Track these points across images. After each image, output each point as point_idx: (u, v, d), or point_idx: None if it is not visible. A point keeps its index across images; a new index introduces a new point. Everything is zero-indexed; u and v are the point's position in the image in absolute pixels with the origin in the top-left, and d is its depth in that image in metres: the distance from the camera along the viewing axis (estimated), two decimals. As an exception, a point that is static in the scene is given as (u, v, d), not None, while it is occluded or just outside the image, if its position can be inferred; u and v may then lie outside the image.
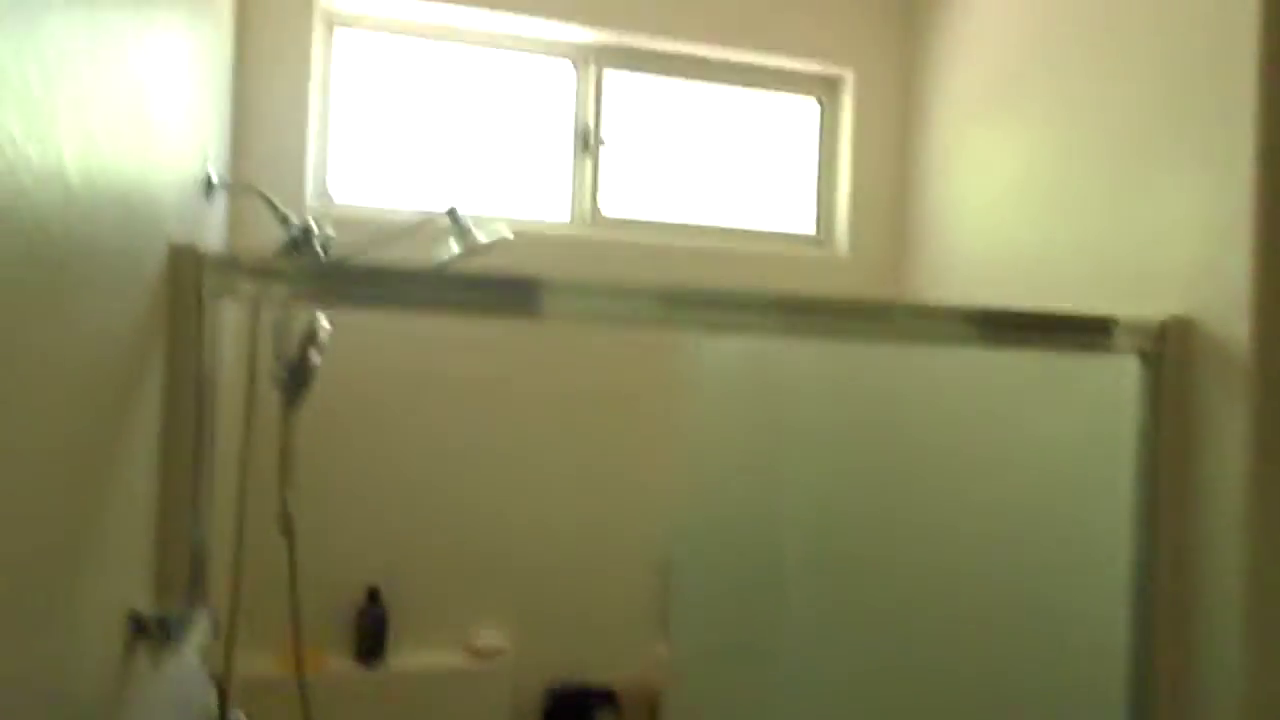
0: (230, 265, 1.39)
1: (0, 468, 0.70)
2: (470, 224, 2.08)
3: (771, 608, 1.98)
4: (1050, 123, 2.36)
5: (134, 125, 1.08)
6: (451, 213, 2.09)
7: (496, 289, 1.51)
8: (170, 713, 1.04)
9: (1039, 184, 2.40)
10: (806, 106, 3.12)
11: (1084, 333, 1.86)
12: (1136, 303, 2.01)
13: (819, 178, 3.12)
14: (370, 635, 2.45)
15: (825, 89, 3.11)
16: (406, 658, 2.52)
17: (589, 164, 2.87)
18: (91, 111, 0.87)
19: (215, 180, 1.88)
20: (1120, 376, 1.93)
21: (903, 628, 2.02)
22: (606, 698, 2.70)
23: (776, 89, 3.07)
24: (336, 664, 2.44)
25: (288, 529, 1.97)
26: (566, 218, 2.87)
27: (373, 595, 2.49)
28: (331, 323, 1.86)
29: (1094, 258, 2.17)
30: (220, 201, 2.09)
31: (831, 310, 1.70)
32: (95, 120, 0.88)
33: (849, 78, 3.04)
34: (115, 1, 0.95)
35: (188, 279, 1.37)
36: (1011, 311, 1.81)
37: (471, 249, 2.07)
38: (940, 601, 2.03)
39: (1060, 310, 1.97)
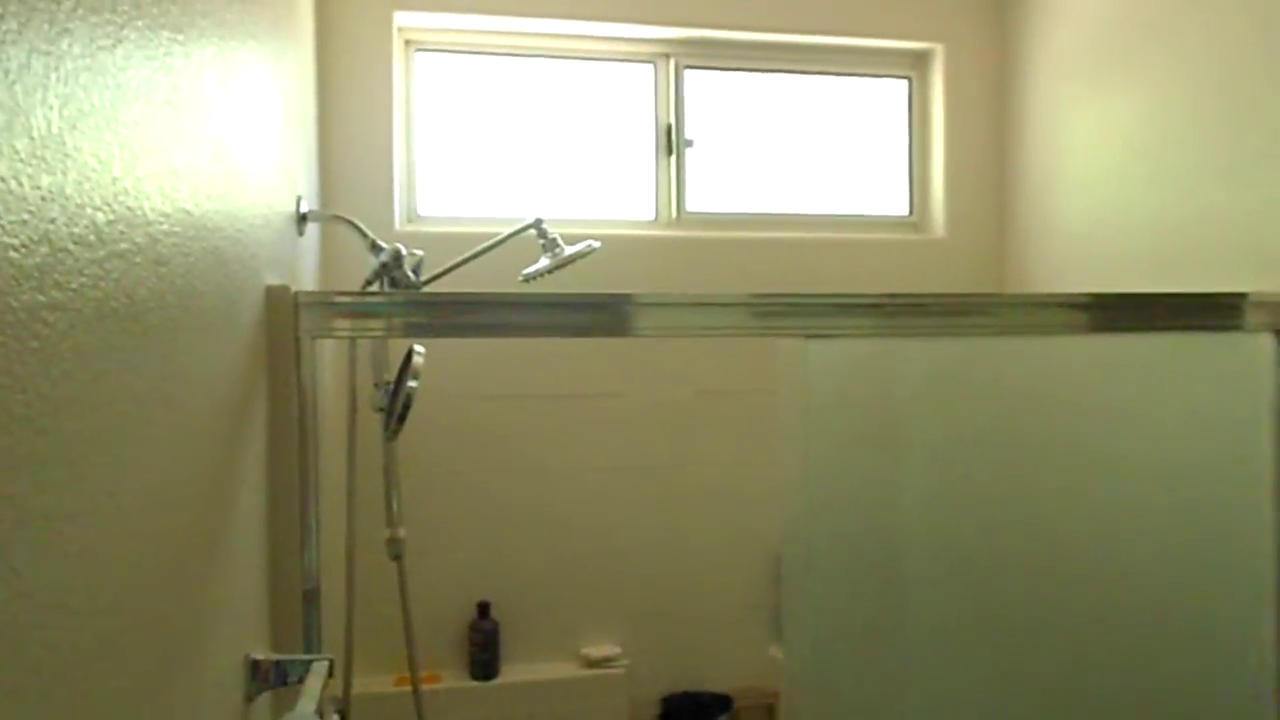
0: (325, 305, 1.40)
1: (128, 523, 0.69)
2: (556, 236, 2.06)
3: (888, 609, 1.92)
4: (1160, 85, 2.22)
5: (222, 173, 1.08)
6: (537, 224, 2.07)
7: (586, 310, 1.48)
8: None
9: (1149, 153, 2.26)
10: (894, 89, 3.01)
11: (1211, 312, 1.74)
12: (1262, 276, 1.88)
13: (912, 159, 3.02)
14: (483, 650, 2.47)
15: (914, 66, 2.99)
16: (521, 670, 2.53)
17: (672, 163, 2.83)
18: (178, 177, 0.86)
19: (306, 212, 1.90)
20: (1253, 356, 1.80)
21: (1027, 629, 1.93)
22: (723, 703, 2.67)
23: (863, 71, 2.97)
24: (452, 680, 2.46)
25: (398, 554, 1.98)
26: (652, 217, 2.83)
27: (483, 610, 2.50)
28: (427, 343, 1.86)
29: (1209, 231, 2.03)
30: (313, 232, 2.11)
31: (931, 309, 1.63)
32: (182, 182, 0.88)
33: (939, 51, 2.93)
34: (196, 48, 0.95)
35: (284, 320, 1.38)
36: (1126, 296, 1.71)
37: (559, 261, 2.05)
38: (1065, 600, 1.93)
39: (1181, 290, 1.85)
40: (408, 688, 2.12)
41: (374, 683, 2.35)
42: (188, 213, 0.90)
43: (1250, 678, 1.84)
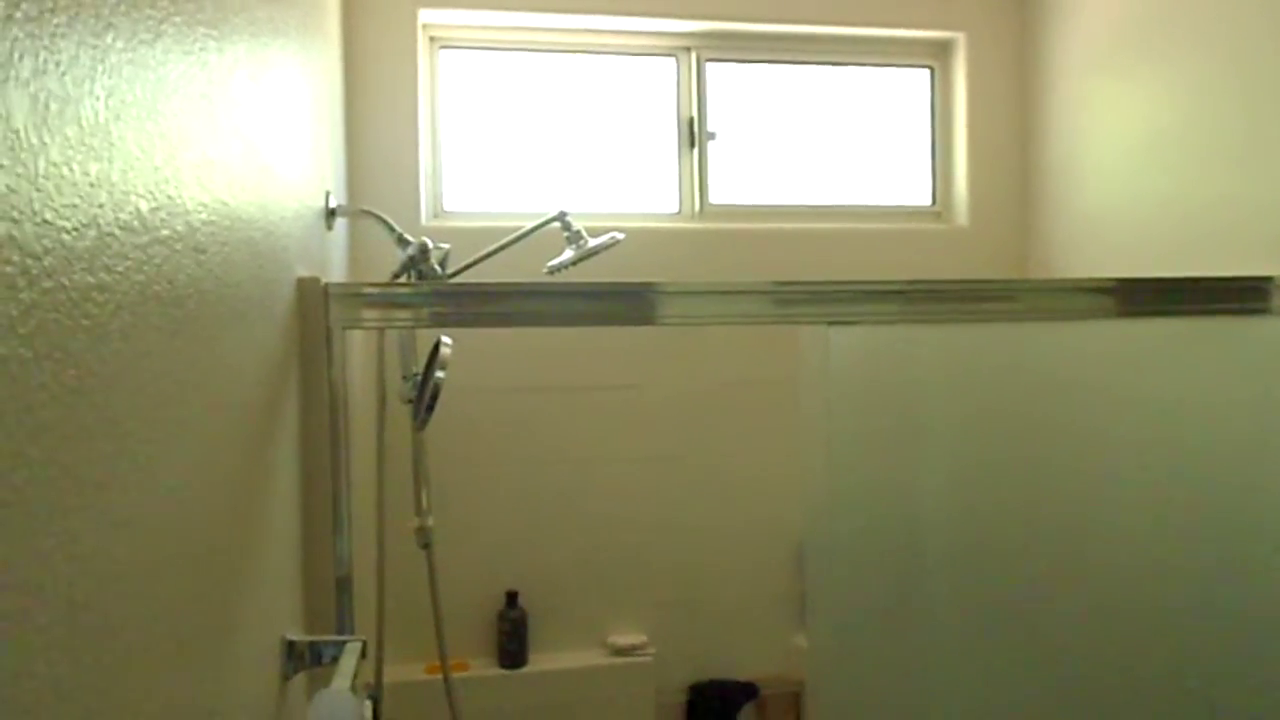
0: (354, 296, 1.43)
1: (171, 502, 0.72)
2: (581, 229, 2.08)
3: (911, 597, 1.92)
4: (1180, 72, 2.21)
5: (254, 169, 1.11)
6: (561, 217, 2.10)
7: (611, 299, 1.50)
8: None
9: (1172, 138, 2.25)
10: (916, 78, 3.01)
11: (1237, 296, 1.74)
12: (1291, 258, 1.87)
13: (934, 148, 3.01)
14: (512, 638, 2.50)
15: (936, 55, 2.99)
16: (549, 658, 2.56)
17: (695, 156, 2.85)
18: (214, 168, 0.89)
19: (335, 207, 1.94)
20: (1278, 339, 1.80)
21: (1051, 615, 1.93)
22: (749, 691, 2.69)
23: (885, 61, 2.97)
24: (481, 668, 2.50)
25: (426, 542, 2.01)
26: (675, 209, 2.85)
27: (511, 599, 2.53)
28: (453, 336, 1.89)
29: (1234, 215, 2.02)
30: (341, 226, 2.15)
31: (955, 295, 1.64)
32: (218, 174, 0.91)
33: (960, 40, 2.92)
34: (229, 45, 0.97)
35: (315, 311, 1.41)
36: (1151, 280, 1.71)
37: (583, 253, 2.08)
38: (1089, 586, 1.93)
39: (1206, 274, 1.84)
40: (438, 675, 2.16)
41: (405, 671, 2.39)
42: (224, 203, 0.93)
43: (1276, 664, 1.83)
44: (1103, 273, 2.48)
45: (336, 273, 2.09)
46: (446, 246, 2.00)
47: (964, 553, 1.92)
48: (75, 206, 0.55)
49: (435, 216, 2.69)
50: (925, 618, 1.92)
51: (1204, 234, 2.13)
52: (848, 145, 2.97)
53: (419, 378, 1.93)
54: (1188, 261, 2.17)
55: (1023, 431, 1.94)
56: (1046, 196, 2.82)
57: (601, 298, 1.50)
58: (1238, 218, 2.02)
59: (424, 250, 1.94)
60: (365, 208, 2.20)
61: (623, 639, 2.58)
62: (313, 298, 1.41)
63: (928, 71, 3.00)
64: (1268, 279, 1.73)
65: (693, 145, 2.84)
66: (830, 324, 1.67)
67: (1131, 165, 2.42)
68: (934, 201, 3.01)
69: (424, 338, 1.97)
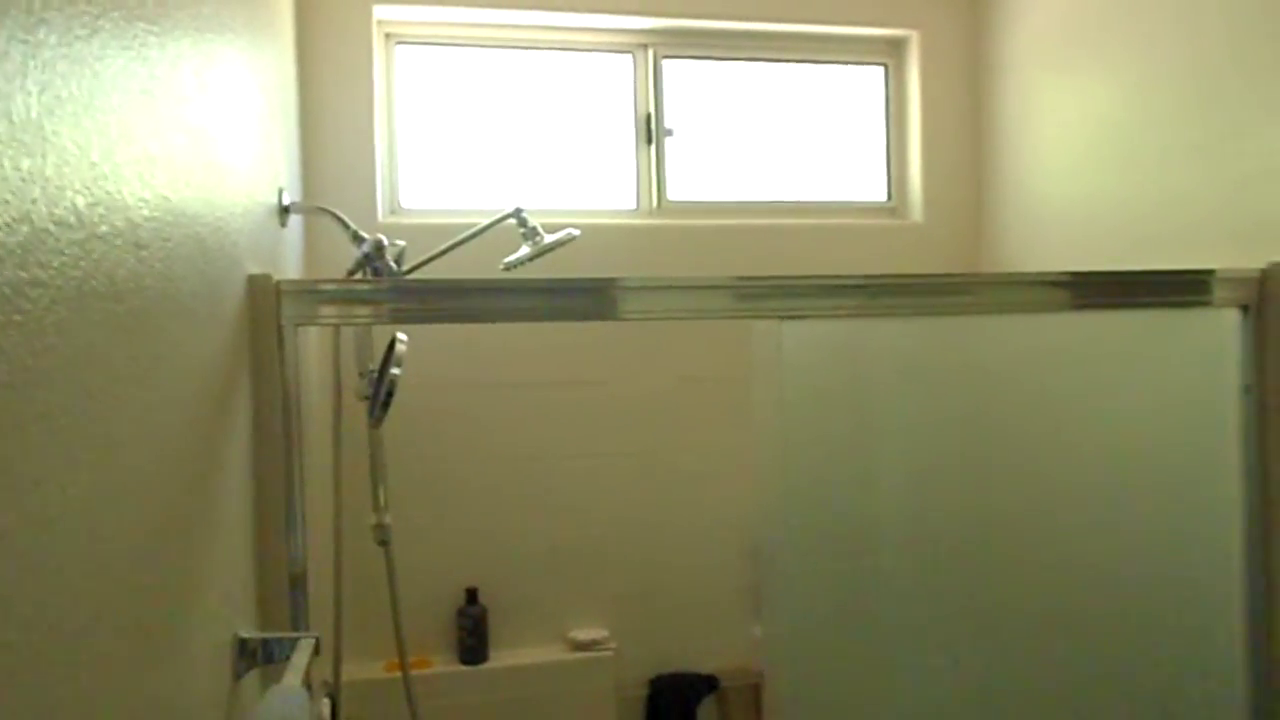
0: (308, 293, 1.42)
1: (110, 499, 0.72)
2: (537, 225, 2.09)
3: (866, 589, 1.95)
4: (1131, 68, 2.26)
5: (200, 164, 1.11)
6: (517, 214, 2.10)
7: (571, 295, 1.51)
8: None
9: (1121, 135, 2.30)
10: (870, 76, 3.04)
11: (1180, 289, 1.78)
12: (1231, 254, 1.91)
13: (888, 145, 3.05)
14: (472, 635, 2.50)
15: (890, 53, 3.03)
16: (509, 654, 2.56)
17: (652, 152, 2.86)
18: (156, 164, 0.89)
19: (289, 204, 1.92)
20: (1220, 332, 1.84)
21: (1003, 607, 1.97)
22: (710, 683, 2.71)
23: (838, 59, 3.00)
24: (441, 665, 2.50)
25: (384, 539, 2.01)
26: (633, 205, 2.86)
27: (471, 596, 2.53)
28: (410, 332, 1.89)
29: (1182, 210, 2.07)
30: (296, 223, 2.13)
31: (912, 289, 1.67)
32: (160, 170, 0.90)
33: (914, 38, 2.96)
34: (171, 40, 0.97)
35: (266, 309, 1.41)
36: (1101, 274, 1.75)
37: (539, 249, 2.08)
38: (1039, 579, 1.97)
39: (1153, 268, 1.88)
40: (398, 673, 2.15)
41: (364, 669, 2.38)
42: (166, 199, 0.92)
43: (1221, 653, 1.88)
44: (1055, 267, 2.52)
45: (291, 269, 2.08)
46: (402, 243, 2.00)
47: (918, 545, 1.95)
48: (6, 202, 0.55)
49: (392, 213, 2.68)
50: (880, 609, 1.94)
51: (1155, 229, 2.17)
52: (803, 142, 3.00)
53: (374, 374, 1.93)
54: (1139, 256, 2.22)
55: (976, 424, 1.97)
56: (999, 192, 2.86)
57: (559, 293, 1.51)
58: (1187, 212, 2.06)
59: (379, 247, 1.93)
60: (320, 205, 2.19)
61: (583, 634, 2.59)
62: (264, 295, 1.40)
63: (881, 69, 3.04)
64: (1209, 272, 1.77)
65: (650, 141, 2.85)
66: (783, 319, 1.68)
67: (1083, 161, 2.46)
68: (889, 197, 3.04)
69: (380, 334, 1.96)
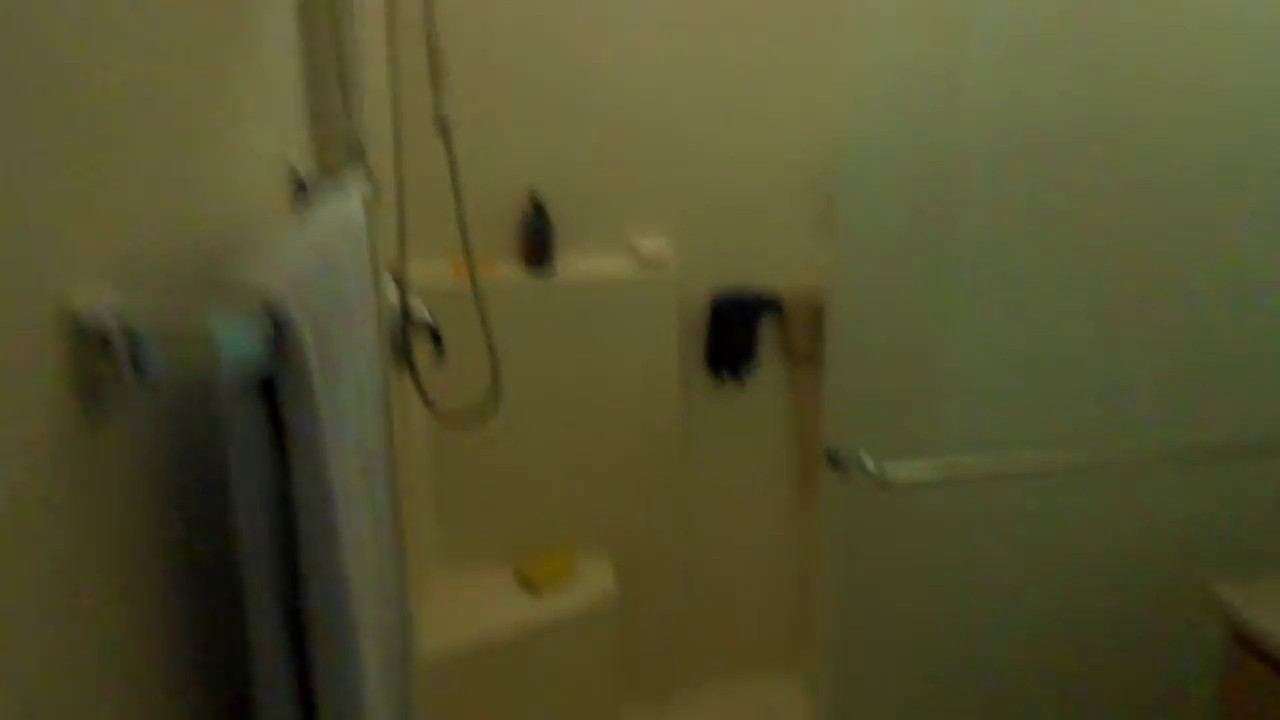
0: None
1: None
2: None
3: (943, 210, 1.84)
4: None
5: None
6: None
7: None
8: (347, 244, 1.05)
9: None
10: None
11: None
12: None
13: None
14: (536, 241, 2.48)
15: None
16: (573, 264, 2.55)
17: None
18: None
19: None
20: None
21: (1102, 231, 1.85)
22: (771, 303, 2.71)
23: None
24: (506, 271, 2.50)
25: (444, 129, 1.92)
26: None
27: (535, 199, 2.48)
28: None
29: None
30: None
31: None
32: None
33: None
34: None
35: None
36: None
37: None
38: (1149, 204, 1.83)
39: None
40: (463, 280, 2.12)
41: (430, 271, 2.37)
42: None
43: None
44: None
45: None
46: None
47: (1010, 161, 1.80)
48: None
49: None
50: (956, 232, 1.84)
51: None
52: None
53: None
54: None
55: (1081, 31, 1.76)
56: None
57: None
58: None
59: None
60: None
61: (646, 248, 2.55)
62: None
63: None
64: None
65: None
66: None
67: None
68: None
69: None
